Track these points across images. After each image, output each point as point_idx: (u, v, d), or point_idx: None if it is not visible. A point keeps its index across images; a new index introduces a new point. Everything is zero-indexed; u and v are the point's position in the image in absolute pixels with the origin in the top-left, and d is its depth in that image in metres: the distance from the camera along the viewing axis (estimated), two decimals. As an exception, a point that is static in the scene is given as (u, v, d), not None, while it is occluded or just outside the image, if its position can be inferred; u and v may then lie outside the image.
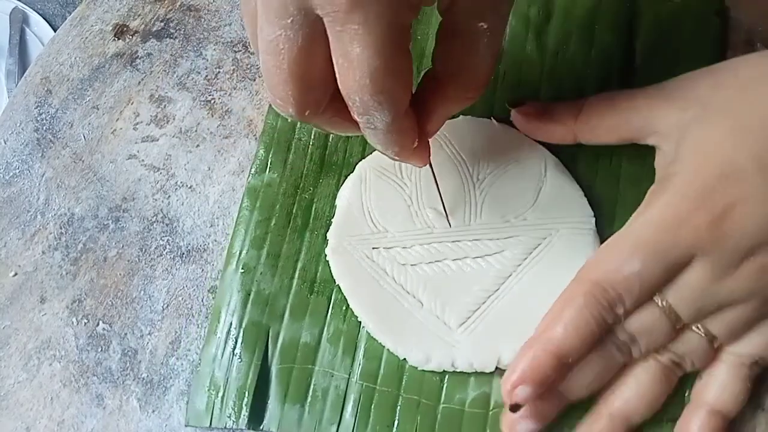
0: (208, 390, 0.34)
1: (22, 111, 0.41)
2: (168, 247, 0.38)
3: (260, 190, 0.37)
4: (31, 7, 0.72)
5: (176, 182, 0.39)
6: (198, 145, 0.40)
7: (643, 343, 0.30)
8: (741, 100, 0.30)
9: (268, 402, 0.34)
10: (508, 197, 0.35)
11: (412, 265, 0.35)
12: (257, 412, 0.33)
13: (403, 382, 0.33)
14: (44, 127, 0.40)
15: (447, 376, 0.33)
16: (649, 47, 0.39)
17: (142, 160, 0.39)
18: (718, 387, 0.31)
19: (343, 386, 0.34)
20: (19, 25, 0.71)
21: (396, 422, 0.33)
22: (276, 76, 0.25)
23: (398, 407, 0.33)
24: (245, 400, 0.33)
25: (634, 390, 0.31)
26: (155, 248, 0.38)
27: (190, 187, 0.39)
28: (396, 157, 0.30)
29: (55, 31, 0.63)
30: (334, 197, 0.37)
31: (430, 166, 0.34)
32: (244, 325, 0.35)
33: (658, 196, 0.30)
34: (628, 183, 0.36)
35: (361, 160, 0.37)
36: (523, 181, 0.36)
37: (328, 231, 0.36)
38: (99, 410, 0.35)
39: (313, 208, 0.37)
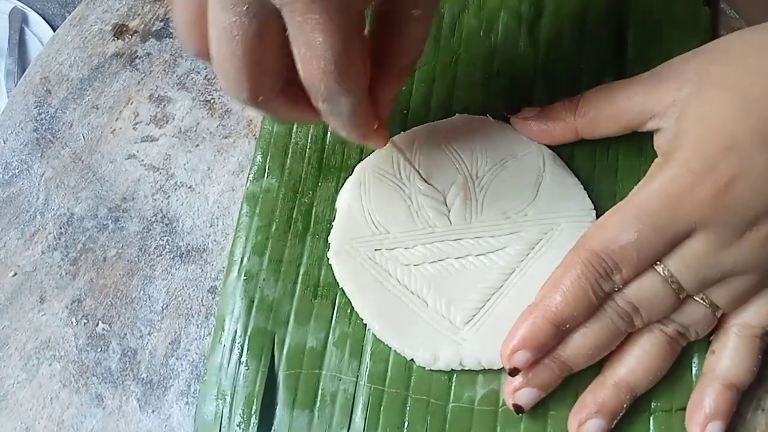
0: (216, 399, 0.33)
1: (21, 111, 0.41)
2: (167, 247, 0.37)
3: (259, 195, 0.37)
4: (31, 7, 0.72)
5: (176, 182, 0.39)
6: (197, 145, 0.40)
7: (645, 312, 0.31)
8: (736, 73, 0.30)
9: (277, 409, 0.33)
10: (508, 193, 0.35)
11: (415, 265, 0.35)
12: (266, 420, 0.33)
13: (412, 383, 0.33)
14: (44, 127, 0.40)
15: (455, 375, 0.33)
16: (640, 37, 0.39)
17: (142, 160, 0.39)
18: (731, 360, 0.31)
19: (352, 389, 0.33)
20: (19, 24, 0.71)
21: (406, 423, 0.33)
22: (229, 62, 0.26)
23: (407, 408, 0.33)
24: (254, 407, 0.33)
25: (639, 359, 0.31)
26: (155, 248, 0.38)
27: (190, 187, 0.39)
28: (360, 140, 0.32)
29: (54, 30, 0.63)
30: (334, 200, 0.37)
31: (393, 143, 0.35)
32: (249, 333, 0.34)
33: (661, 168, 0.31)
34: (626, 176, 0.36)
35: (359, 162, 0.37)
36: (522, 176, 0.36)
37: (329, 234, 0.36)
38: (99, 410, 0.35)
39: (313, 212, 0.37)
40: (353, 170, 0.37)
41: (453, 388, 0.33)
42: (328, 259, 0.35)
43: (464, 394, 0.33)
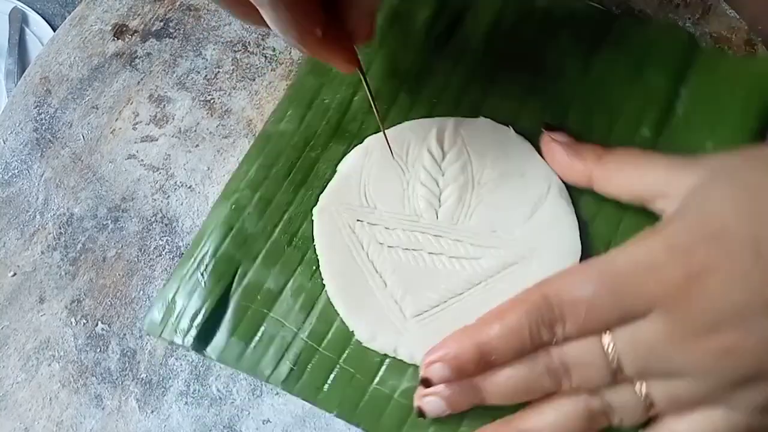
0: (169, 303, 0.35)
1: (21, 111, 0.41)
2: (167, 247, 0.37)
3: (273, 136, 0.38)
4: (31, 7, 0.72)
5: (175, 182, 0.39)
6: (197, 145, 0.39)
7: (575, 377, 0.29)
8: (755, 174, 0.29)
9: (217, 332, 0.35)
10: (503, 208, 0.35)
11: (389, 246, 0.35)
12: (204, 338, 0.35)
13: (345, 353, 0.34)
14: (43, 127, 0.40)
15: (388, 361, 0.34)
16: (694, 98, 0.37)
17: (142, 160, 0.39)
18: None
19: (289, 338, 0.35)
20: (19, 24, 0.71)
21: (326, 387, 0.34)
22: None
23: (333, 374, 0.34)
24: (196, 321, 0.35)
25: (552, 417, 0.30)
26: (154, 248, 0.37)
27: (190, 187, 0.39)
28: (302, 48, 0.29)
29: (54, 30, 0.62)
30: (338, 162, 0.37)
31: (361, 71, 0.32)
32: (217, 256, 0.36)
33: (644, 237, 0.29)
34: (628, 229, 0.35)
35: (373, 134, 0.37)
36: (523, 196, 0.35)
37: (322, 192, 0.36)
38: (98, 411, 0.35)
39: (316, 168, 0.37)
40: (364, 140, 0.37)
41: (381, 371, 0.34)
42: (312, 214, 0.36)
43: (389, 380, 0.34)
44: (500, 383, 0.30)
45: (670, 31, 0.39)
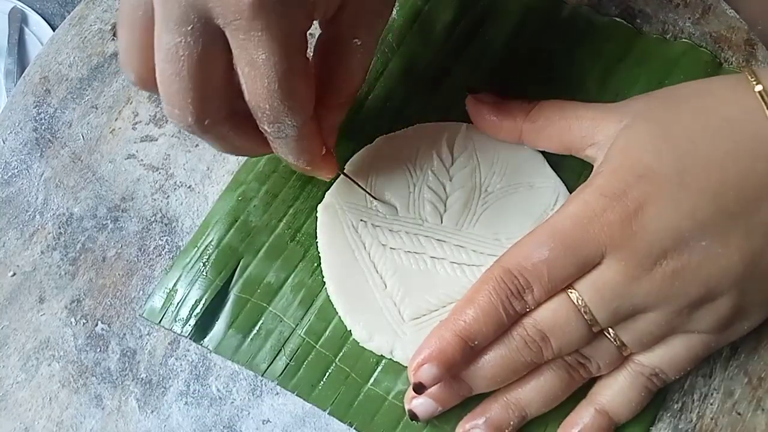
0: (170, 291, 0.36)
1: (20, 110, 0.41)
2: (167, 247, 0.37)
3: None
4: (30, 7, 0.72)
5: (175, 182, 0.39)
6: (197, 145, 0.39)
7: (555, 341, 0.30)
8: (668, 112, 0.31)
9: (216, 323, 0.35)
10: (508, 217, 0.35)
11: (391, 248, 0.35)
12: (203, 328, 0.35)
13: (342, 352, 0.34)
14: (43, 127, 0.40)
15: (384, 362, 0.34)
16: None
17: (141, 160, 0.39)
18: (613, 390, 0.32)
19: (287, 334, 0.35)
20: (18, 24, 0.71)
21: (320, 385, 0.34)
22: (175, 84, 0.26)
23: (329, 372, 0.34)
24: (196, 311, 0.35)
25: (533, 381, 0.31)
26: (154, 248, 0.37)
27: (189, 187, 0.39)
28: (308, 167, 0.32)
29: (54, 30, 0.63)
30: (347, 161, 0.37)
31: (344, 174, 0.36)
32: (220, 247, 0.36)
33: (580, 192, 0.31)
34: None
35: (384, 135, 0.37)
36: (529, 206, 0.35)
37: (328, 190, 0.37)
38: (98, 411, 0.35)
39: None
40: (375, 140, 0.37)
41: (377, 373, 0.34)
42: (317, 211, 0.36)
43: (384, 382, 0.34)
44: (483, 368, 0.31)
45: (693, 50, 0.39)
